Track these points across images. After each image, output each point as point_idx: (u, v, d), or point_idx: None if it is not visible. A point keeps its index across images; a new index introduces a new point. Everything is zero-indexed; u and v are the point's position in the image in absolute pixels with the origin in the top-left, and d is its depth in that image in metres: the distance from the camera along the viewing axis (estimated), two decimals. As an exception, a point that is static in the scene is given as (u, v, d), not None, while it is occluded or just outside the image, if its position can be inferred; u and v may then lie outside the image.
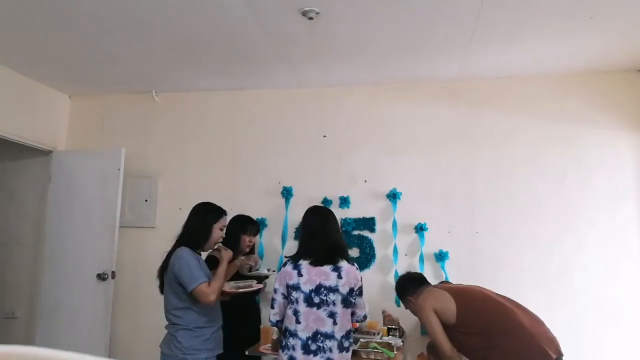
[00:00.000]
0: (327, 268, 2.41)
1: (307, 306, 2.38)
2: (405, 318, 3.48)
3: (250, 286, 2.79)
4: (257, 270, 3.28)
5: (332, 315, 2.37)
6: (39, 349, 0.45)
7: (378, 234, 3.77)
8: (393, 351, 2.96)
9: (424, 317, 2.64)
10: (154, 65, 3.72)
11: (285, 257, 2.60)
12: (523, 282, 3.45)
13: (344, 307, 2.40)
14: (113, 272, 3.93)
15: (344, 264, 2.44)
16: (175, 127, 4.28)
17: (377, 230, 3.76)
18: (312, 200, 3.83)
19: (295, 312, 2.40)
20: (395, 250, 3.68)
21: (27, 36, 3.24)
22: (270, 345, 2.99)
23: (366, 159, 3.87)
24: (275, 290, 2.48)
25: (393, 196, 3.74)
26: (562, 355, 2.44)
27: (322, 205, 2.77)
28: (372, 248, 3.73)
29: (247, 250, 3.34)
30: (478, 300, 2.63)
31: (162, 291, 2.60)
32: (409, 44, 3.22)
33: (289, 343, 2.40)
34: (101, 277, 3.91)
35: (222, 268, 2.58)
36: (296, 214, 3.85)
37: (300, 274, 2.43)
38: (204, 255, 2.98)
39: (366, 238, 3.75)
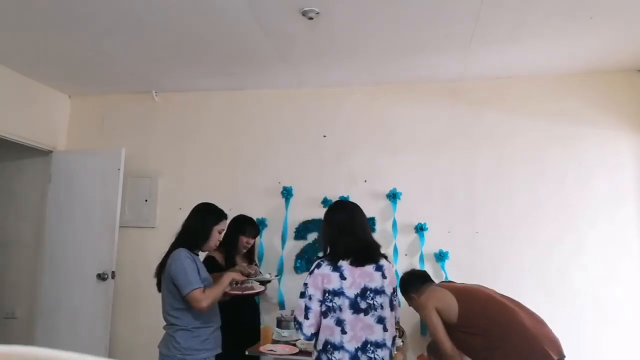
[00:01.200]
0: (370, 268, 2.17)
1: (353, 313, 2.09)
2: (405, 318, 3.48)
3: (253, 288, 2.79)
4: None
5: (381, 320, 2.12)
6: (39, 349, 0.45)
7: (378, 234, 3.75)
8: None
9: (426, 316, 2.64)
10: (154, 65, 3.72)
11: (317, 257, 2.31)
12: (523, 282, 3.45)
13: (390, 310, 2.17)
14: (113, 272, 3.93)
15: (384, 262, 2.23)
16: (175, 127, 4.27)
17: (377, 230, 3.76)
18: (312, 200, 3.83)
19: (339, 322, 2.09)
20: (395, 250, 3.68)
21: (27, 36, 3.24)
22: (270, 345, 3.00)
23: (366, 159, 3.87)
24: (309, 297, 2.13)
25: (393, 196, 3.74)
26: (564, 356, 2.43)
27: (347, 200, 2.46)
28: (372, 248, 3.72)
29: (245, 251, 3.33)
30: (480, 300, 2.63)
31: (159, 289, 2.60)
32: (409, 44, 3.22)
33: (333, 358, 2.08)
34: (101, 277, 3.91)
35: (223, 285, 2.54)
36: (296, 214, 3.86)
37: (343, 277, 2.13)
38: (202, 255, 2.97)
39: (366, 238, 3.74)
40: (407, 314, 3.52)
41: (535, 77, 3.71)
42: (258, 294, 3.22)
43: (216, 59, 3.56)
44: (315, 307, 2.13)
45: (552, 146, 3.61)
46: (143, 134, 4.31)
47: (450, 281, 3.22)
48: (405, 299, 3.07)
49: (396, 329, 3.23)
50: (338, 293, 2.11)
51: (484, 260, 3.58)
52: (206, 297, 2.42)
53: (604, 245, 3.44)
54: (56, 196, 4.18)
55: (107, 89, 4.33)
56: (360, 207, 2.44)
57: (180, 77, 3.96)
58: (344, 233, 2.25)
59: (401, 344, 3.12)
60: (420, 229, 3.68)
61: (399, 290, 3.16)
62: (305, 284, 2.19)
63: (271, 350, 2.95)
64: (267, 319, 3.61)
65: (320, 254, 2.33)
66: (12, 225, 4.32)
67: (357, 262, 2.16)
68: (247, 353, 2.94)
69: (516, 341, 2.41)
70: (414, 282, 2.96)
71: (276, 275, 3.61)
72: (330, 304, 2.11)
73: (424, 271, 3.18)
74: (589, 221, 3.48)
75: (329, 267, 2.16)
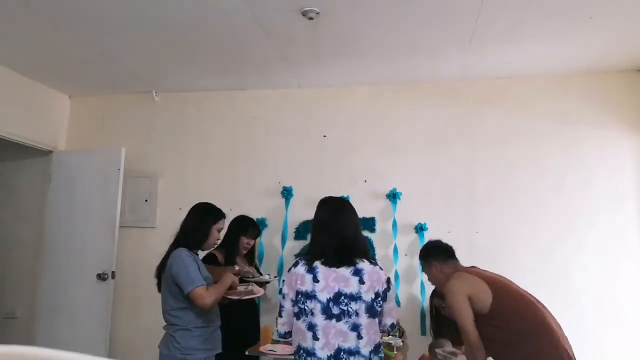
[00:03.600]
0: (347, 271, 2.04)
1: (326, 318, 1.99)
2: (405, 318, 3.49)
3: (252, 292, 2.79)
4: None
5: (355, 327, 2.00)
6: (39, 349, 0.45)
7: (378, 234, 3.76)
8: (393, 351, 2.97)
9: (456, 303, 2.49)
10: (154, 65, 3.72)
11: (296, 255, 2.23)
12: (523, 282, 3.42)
13: (369, 317, 2.02)
14: (113, 272, 3.93)
15: (364, 265, 2.07)
16: (175, 127, 4.27)
17: (377, 230, 3.76)
18: (312, 200, 3.79)
19: (311, 326, 2.00)
20: (395, 250, 3.68)
21: (27, 36, 3.24)
22: (270, 345, 3.00)
23: (366, 159, 3.87)
24: (283, 296, 2.10)
25: (393, 196, 3.74)
26: None
27: (337, 196, 2.38)
28: (372, 248, 3.73)
29: (245, 252, 3.34)
30: (513, 296, 2.54)
31: (159, 290, 2.60)
32: (409, 44, 3.22)
33: None
34: (101, 277, 3.91)
35: (225, 285, 2.56)
36: (296, 214, 3.86)
37: (315, 279, 2.03)
38: (203, 254, 2.98)
39: (366, 238, 3.74)
40: (407, 315, 3.53)
41: (535, 77, 3.71)
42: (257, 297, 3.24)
43: (216, 59, 3.56)
44: (287, 306, 2.08)
45: (552, 146, 3.61)
46: (143, 134, 4.31)
47: (473, 266, 3.00)
48: (424, 265, 2.89)
49: (397, 328, 3.24)
50: (310, 296, 2.02)
51: (484, 260, 3.56)
52: (210, 295, 2.43)
53: (604, 245, 3.44)
54: (56, 196, 4.18)
55: (107, 89, 4.33)
56: (351, 203, 2.30)
57: (180, 77, 3.96)
58: (323, 231, 2.15)
59: (401, 344, 3.12)
60: (420, 229, 3.68)
61: (419, 256, 2.92)
62: (283, 281, 2.17)
63: (271, 350, 2.95)
64: (267, 319, 3.61)
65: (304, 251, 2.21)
66: (12, 225, 4.32)
67: (331, 263, 2.05)
68: (247, 353, 2.94)
69: (543, 343, 2.35)
70: (440, 253, 2.81)
71: (275, 276, 3.61)
72: (302, 306, 2.03)
73: (451, 246, 2.96)
74: (589, 221, 3.48)
75: (304, 267, 2.08)
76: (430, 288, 3.51)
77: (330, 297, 2.01)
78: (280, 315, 2.11)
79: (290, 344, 3.00)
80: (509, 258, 3.55)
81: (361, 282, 2.03)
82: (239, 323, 3.10)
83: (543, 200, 3.57)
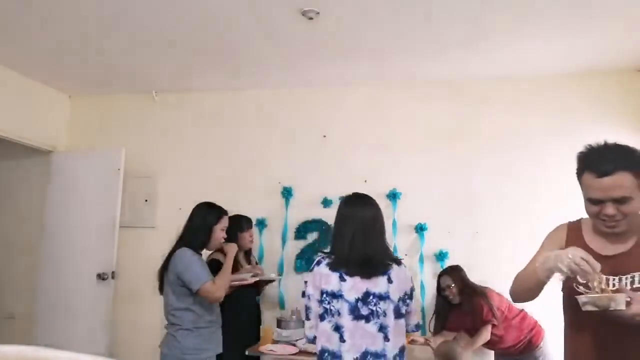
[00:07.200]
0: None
1: (354, 319, 1.90)
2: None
3: (245, 279, 2.79)
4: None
5: (382, 328, 1.92)
6: (39, 349, 0.45)
7: (378, 234, 3.76)
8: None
9: None
10: (154, 65, 3.72)
11: (320, 252, 2.07)
12: (523, 282, 3.45)
13: (396, 318, 1.95)
14: (113, 272, 3.93)
15: (391, 267, 1.98)
16: (175, 127, 4.27)
17: (377, 230, 3.76)
18: (312, 200, 3.83)
19: (337, 328, 1.91)
20: (395, 251, 3.67)
21: (27, 36, 3.24)
22: (270, 345, 3.00)
23: (366, 159, 3.87)
24: (308, 297, 1.98)
25: (393, 196, 3.74)
26: None
27: (363, 194, 2.16)
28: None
29: (251, 245, 3.35)
30: None
31: (161, 292, 2.60)
32: (409, 44, 3.22)
33: None
34: (101, 277, 3.91)
35: (228, 265, 2.58)
36: (296, 214, 3.86)
37: (342, 279, 1.93)
38: (205, 257, 2.98)
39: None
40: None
41: (535, 77, 3.71)
42: (258, 292, 3.25)
43: (216, 59, 3.56)
44: (314, 307, 1.96)
45: (552, 146, 3.61)
46: (143, 134, 4.31)
47: None
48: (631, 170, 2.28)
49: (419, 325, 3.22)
50: (337, 296, 1.92)
51: (484, 260, 3.57)
52: (218, 288, 2.46)
53: (604, 245, 3.43)
54: (56, 196, 4.18)
55: (107, 89, 4.33)
56: (377, 204, 2.11)
57: (180, 77, 3.96)
58: (343, 239, 2.00)
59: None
60: (420, 229, 3.68)
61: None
62: (306, 282, 2.05)
63: (271, 350, 2.95)
64: (267, 319, 3.61)
65: (326, 250, 2.10)
66: (12, 225, 4.32)
67: (352, 274, 1.94)
68: (247, 353, 2.94)
69: None
70: None
71: (279, 275, 3.64)
72: (327, 307, 1.93)
73: None
74: (589, 221, 3.48)
75: (328, 266, 1.96)
76: (430, 287, 3.52)
77: (359, 297, 1.92)
78: (307, 318, 1.99)
79: (292, 345, 3.01)
80: (509, 258, 3.53)
81: (389, 281, 1.96)
82: (239, 323, 3.10)
83: (543, 199, 3.57)
